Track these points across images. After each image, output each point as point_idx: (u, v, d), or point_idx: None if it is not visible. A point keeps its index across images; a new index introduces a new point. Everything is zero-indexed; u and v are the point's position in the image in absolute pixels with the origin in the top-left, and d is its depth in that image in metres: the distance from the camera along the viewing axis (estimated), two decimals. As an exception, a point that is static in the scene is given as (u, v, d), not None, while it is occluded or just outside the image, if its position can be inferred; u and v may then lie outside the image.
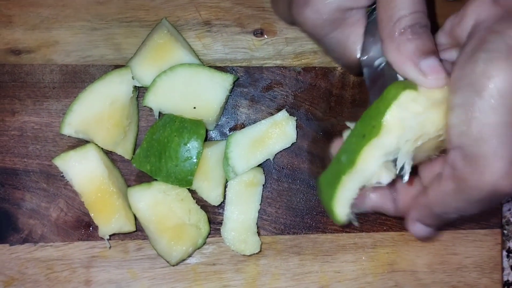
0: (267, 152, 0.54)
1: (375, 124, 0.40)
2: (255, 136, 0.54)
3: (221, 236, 0.55)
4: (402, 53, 0.39)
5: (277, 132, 0.54)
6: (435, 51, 0.39)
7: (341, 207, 0.44)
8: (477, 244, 0.60)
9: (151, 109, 0.54)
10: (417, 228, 0.43)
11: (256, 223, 0.56)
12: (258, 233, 0.56)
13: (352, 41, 0.47)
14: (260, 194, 0.56)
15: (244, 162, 0.53)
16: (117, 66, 0.55)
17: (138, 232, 0.55)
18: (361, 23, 0.46)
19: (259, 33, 0.57)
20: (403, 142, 0.40)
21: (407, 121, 0.39)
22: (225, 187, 0.55)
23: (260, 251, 0.56)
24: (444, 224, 0.42)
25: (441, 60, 0.39)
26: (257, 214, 0.56)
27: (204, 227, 0.54)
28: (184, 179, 0.53)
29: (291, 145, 0.55)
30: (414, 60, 0.39)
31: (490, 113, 0.34)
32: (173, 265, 0.55)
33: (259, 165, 0.55)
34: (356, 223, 0.47)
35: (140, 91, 0.56)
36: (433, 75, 0.38)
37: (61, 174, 0.53)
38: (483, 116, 0.35)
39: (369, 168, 0.41)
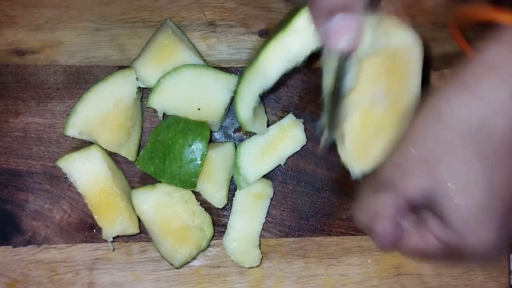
0: (278, 158, 0.54)
1: (285, 25, 0.39)
2: (264, 143, 0.54)
3: (225, 239, 0.55)
4: (313, 10, 0.35)
5: (286, 137, 0.54)
6: (347, 6, 0.34)
7: (243, 107, 0.46)
8: (484, 247, 0.59)
9: (155, 110, 0.54)
10: None
11: (259, 235, 0.55)
12: (263, 236, 0.56)
13: None
14: (266, 207, 0.55)
15: (255, 170, 0.53)
16: (121, 67, 0.55)
17: (142, 234, 0.55)
18: None
19: (264, 33, 0.56)
20: (309, 49, 0.39)
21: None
22: (230, 189, 0.55)
23: (259, 264, 0.55)
24: None
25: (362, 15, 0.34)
26: (261, 227, 0.55)
27: (208, 230, 0.54)
28: (188, 181, 0.52)
29: (297, 147, 0.55)
30: (321, 19, 0.34)
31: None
32: (177, 268, 0.54)
33: (268, 179, 0.55)
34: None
35: (144, 92, 0.55)
36: (336, 37, 0.34)
37: (65, 176, 0.53)
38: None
39: (269, 69, 0.41)
